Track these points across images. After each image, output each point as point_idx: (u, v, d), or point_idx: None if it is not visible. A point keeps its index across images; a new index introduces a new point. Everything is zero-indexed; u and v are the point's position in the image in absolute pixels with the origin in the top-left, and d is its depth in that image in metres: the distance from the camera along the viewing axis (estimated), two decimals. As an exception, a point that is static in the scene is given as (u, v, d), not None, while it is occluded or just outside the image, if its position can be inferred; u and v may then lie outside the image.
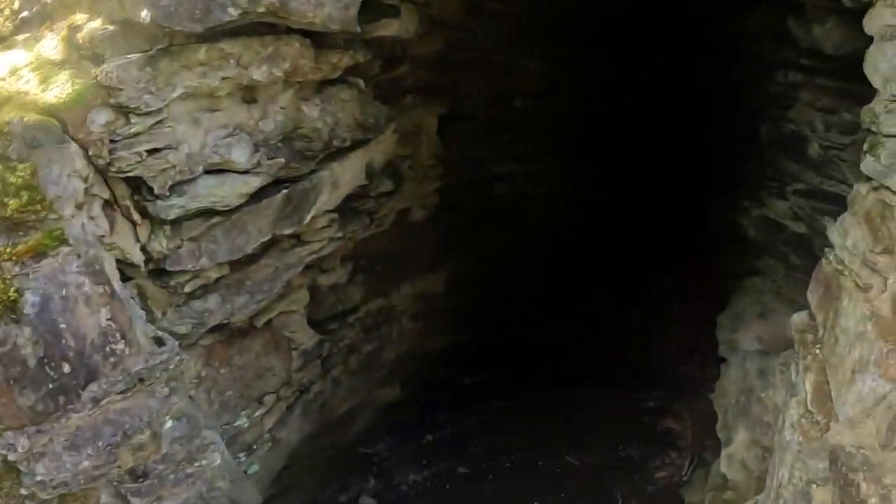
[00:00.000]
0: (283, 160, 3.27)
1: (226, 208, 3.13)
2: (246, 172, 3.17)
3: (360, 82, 3.81)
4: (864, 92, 4.31)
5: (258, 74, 3.03)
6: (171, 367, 3.01)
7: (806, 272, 5.06)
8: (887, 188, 2.56)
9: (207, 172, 3.09)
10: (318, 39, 3.29)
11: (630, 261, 7.78)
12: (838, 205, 4.58)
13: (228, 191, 3.14)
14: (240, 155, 3.11)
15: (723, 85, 6.54)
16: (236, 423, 3.88)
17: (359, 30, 3.34)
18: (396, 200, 4.73)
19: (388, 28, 3.83)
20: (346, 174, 3.72)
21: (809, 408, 2.96)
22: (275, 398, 4.10)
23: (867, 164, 2.71)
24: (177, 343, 3.13)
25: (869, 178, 2.74)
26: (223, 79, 2.93)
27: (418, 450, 5.41)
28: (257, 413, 3.99)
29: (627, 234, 8.55)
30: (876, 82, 2.73)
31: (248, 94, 3.16)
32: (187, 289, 3.27)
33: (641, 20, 8.57)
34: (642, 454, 5.28)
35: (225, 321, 3.47)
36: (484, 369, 6.12)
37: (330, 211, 3.77)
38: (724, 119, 6.44)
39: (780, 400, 3.50)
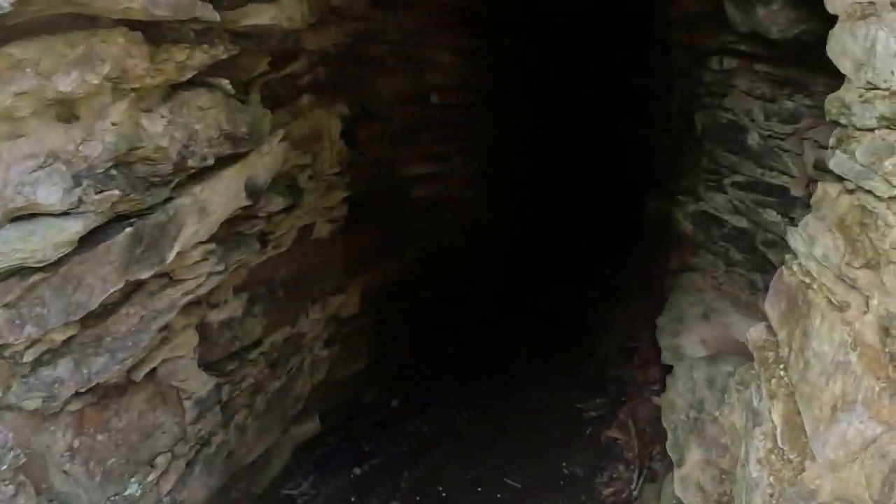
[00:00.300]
0: (117, 192, 2.46)
1: (41, 264, 2.35)
2: (64, 215, 2.36)
3: (226, 84, 3.01)
4: (807, 79, 4.07)
5: (66, 84, 2.20)
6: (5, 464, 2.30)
7: (747, 268, 4.82)
8: (867, 191, 2.15)
9: (14, 220, 2.26)
10: (153, 32, 2.49)
11: (567, 262, 7.44)
12: (780, 197, 4.32)
13: (40, 242, 2.30)
14: (49, 193, 2.27)
15: (658, 74, 6.23)
16: (126, 493, 3.17)
17: (217, 17, 2.61)
18: (296, 217, 4.06)
19: (261, 15, 3.06)
20: (218, 197, 2.96)
21: (779, 443, 2.57)
22: (169, 458, 3.38)
23: (839, 162, 2.31)
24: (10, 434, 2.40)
25: (840, 178, 2.34)
26: (17, 94, 2.12)
27: (346, 485, 4.80)
28: (150, 478, 3.28)
29: (563, 234, 8.23)
30: (845, 67, 2.32)
31: (65, 110, 2.32)
32: (27, 357, 2.48)
33: (570, 9, 8.22)
34: (588, 470, 4.89)
35: (83, 390, 2.71)
36: (411, 389, 5.56)
37: (205, 241, 3.02)
38: (658, 110, 6.14)
39: (739, 423, 3.12)
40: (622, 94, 8.30)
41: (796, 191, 4.18)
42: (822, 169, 2.86)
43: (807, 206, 4.11)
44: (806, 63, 3.80)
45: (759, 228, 4.49)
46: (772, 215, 4.38)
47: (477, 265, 7.19)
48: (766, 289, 4.84)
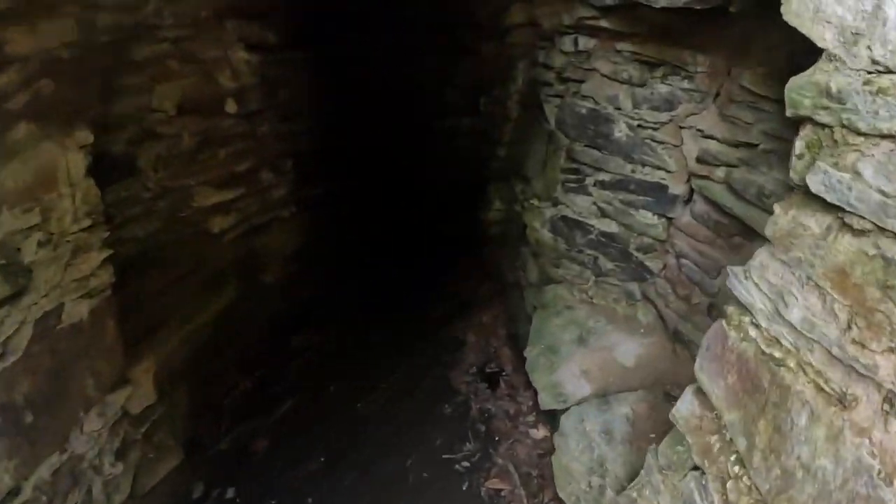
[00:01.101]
0: None
1: None
2: None
3: None
4: (684, 58, 3.40)
5: None
6: None
7: (621, 277, 4.17)
8: (889, 232, 1.33)
9: None
10: None
11: (408, 275, 6.41)
12: (655, 196, 3.65)
13: None
14: None
15: (490, 61, 5.35)
16: None
17: None
18: (27, 306, 2.49)
19: None
20: None
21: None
22: None
23: (828, 181, 1.48)
24: None
25: (829, 206, 1.50)
26: None
27: None
28: None
29: (401, 241, 7.16)
30: (823, 38, 1.47)
31: None
32: None
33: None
34: (475, 537, 3.93)
35: None
36: (239, 481, 4.13)
37: None
38: (495, 100, 5.28)
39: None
40: (446, 83, 7.46)
41: (675, 187, 3.53)
42: (794, 186, 2.03)
43: (688, 203, 3.88)
44: (682, 41, 3.08)
45: (633, 232, 3.81)
46: (647, 217, 3.71)
47: (303, 296, 5.87)
48: (645, 297, 4.54)
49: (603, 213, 3.87)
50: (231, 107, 4.74)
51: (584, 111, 3.70)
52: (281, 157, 5.51)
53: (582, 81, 3.71)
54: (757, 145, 3.11)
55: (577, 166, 3.84)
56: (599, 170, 3.75)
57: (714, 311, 3.50)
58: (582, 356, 3.85)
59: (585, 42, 3.65)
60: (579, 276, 4.19)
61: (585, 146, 3.76)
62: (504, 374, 5.12)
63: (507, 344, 5.38)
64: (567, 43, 3.76)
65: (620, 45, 3.49)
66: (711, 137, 3.27)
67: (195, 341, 4.19)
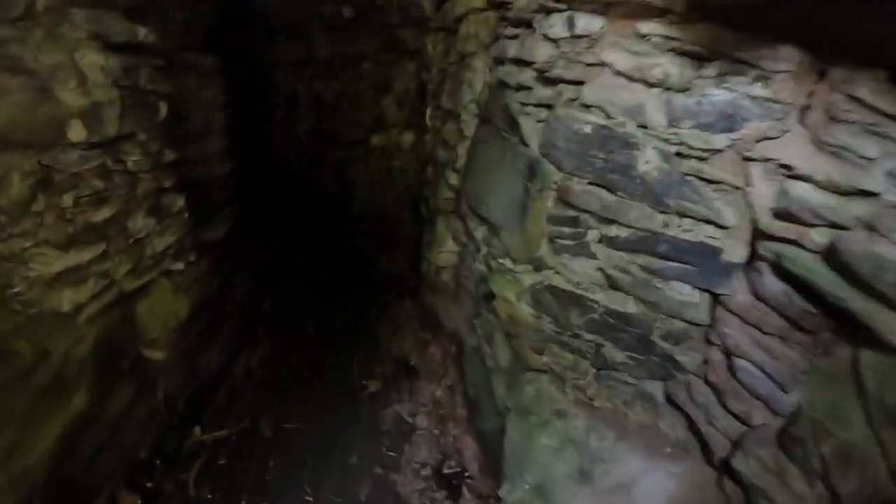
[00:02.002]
0: None
1: None
2: None
3: None
4: (752, 50, 1.97)
5: None
6: None
7: (638, 373, 2.81)
8: None
9: None
10: None
11: (336, 335, 4.86)
12: (697, 262, 2.30)
13: None
14: None
15: (433, 67, 3.92)
16: None
17: None
18: None
19: None
20: None
21: None
22: None
23: None
24: None
25: None
26: None
27: None
28: None
29: (326, 293, 5.60)
30: None
31: None
32: None
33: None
34: None
35: None
36: None
37: None
38: (446, 117, 3.84)
39: None
40: (382, 91, 6.01)
41: (732, 252, 2.20)
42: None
43: (750, 276, 2.14)
44: (753, 20, 1.78)
45: (658, 313, 2.45)
46: (682, 292, 2.37)
47: (207, 369, 4.24)
48: (672, 402, 2.63)
49: (613, 285, 2.50)
50: (77, 133, 3.08)
51: (587, 129, 2.31)
52: (165, 195, 3.87)
53: (581, 83, 2.33)
54: (879, 195, 1.84)
55: (576, 214, 2.45)
56: (611, 221, 2.38)
57: (789, 441, 2.20)
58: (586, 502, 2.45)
59: (586, 22, 2.28)
60: (573, 369, 2.79)
61: (590, 184, 2.38)
62: (468, 476, 3.67)
63: (469, 430, 3.94)
64: (556, 25, 2.37)
65: (646, 27, 2.14)
66: (803, 178, 1.96)
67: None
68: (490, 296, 3.03)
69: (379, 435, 3.98)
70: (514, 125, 2.76)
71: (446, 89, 3.80)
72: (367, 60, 6.76)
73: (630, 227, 2.34)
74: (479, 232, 3.29)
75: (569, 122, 2.35)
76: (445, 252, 4.22)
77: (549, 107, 2.46)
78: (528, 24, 2.61)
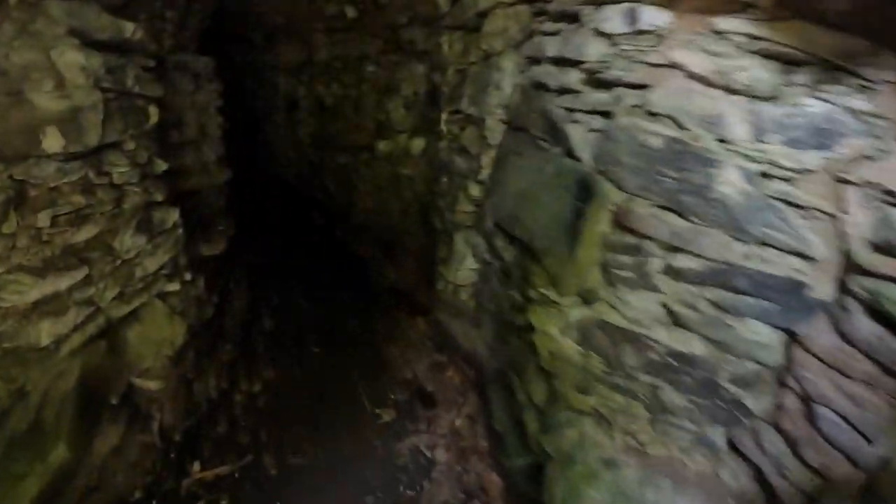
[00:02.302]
0: None
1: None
2: None
3: None
4: (853, 55, 1.61)
5: None
6: None
7: (699, 419, 2.43)
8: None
9: None
10: None
11: (342, 354, 4.49)
12: (777, 297, 1.95)
13: None
14: None
15: (449, 68, 3.57)
16: None
17: None
18: None
19: None
20: None
21: None
22: None
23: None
24: None
25: None
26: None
27: None
28: None
29: (331, 307, 5.23)
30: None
31: None
32: None
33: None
34: None
35: None
36: None
37: None
38: (466, 123, 3.48)
39: None
40: (388, 94, 5.64)
41: (819, 287, 1.86)
42: None
43: (835, 315, 1.73)
44: (854, 21, 1.43)
45: (727, 353, 2.11)
46: (756, 331, 2.03)
47: (205, 396, 3.86)
48: (735, 450, 2.22)
49: (676, 322, 2.15)
50: (53, 141, 2.70)
51: (655, 142, 1.96)
52: (156, 209, 3.48)
53: (645, 87, 1.98)
54: None
55: (638, 241, 2.10)
56: (679, 250, 2.02)
57: (873, 498, 1.86)
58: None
59: (652, 16, 1.93)
60: (624, 412, 2.44)
61: (657, 206, 2.02)
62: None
63: (494, 467, 3.59)
64: (613, 18, 2.02)
65: (726, 23, 1.79)
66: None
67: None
68: (526, 327, 2.68)
69: (395, 471, 3.62)
70: (556, 134, 2.40)
71: (467, 92, 3.44)
72: (370, 62, 6.40)
73: (702, 257, 1.99)
74: (509, 252, 2.93)
75: (633, 133, 1.99)
76: (464, 270, 3.86)
77: (604, 114, 2.10)
78: (573, 18, 2.26)
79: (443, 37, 4.00)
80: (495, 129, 3.09)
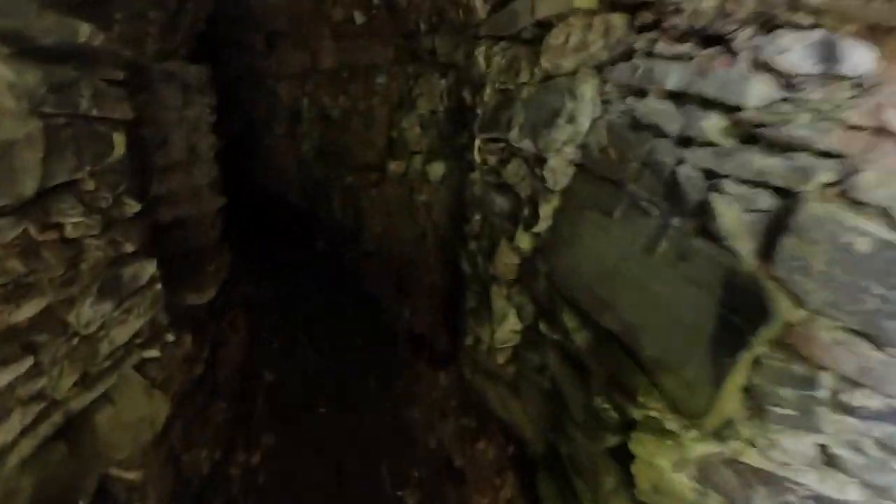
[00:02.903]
0: None
1: None
2: None
3: None
4: None
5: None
6: None
7: None
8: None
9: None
10: None
11: (352, 419, 3.75)
12: None
13: None
14: None
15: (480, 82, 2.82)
16: None
17: None
18: None
19: None
20: None
21: None
22: None
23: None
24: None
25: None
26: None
27: None
28: None
29: (339, 359, 4.47)
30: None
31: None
32: None
33: None
34: None
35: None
36: None
37: None
38: (510, 154, 2.74)
39: None
40: (399, 109, 4.88)
41: None
42: None
43: None
44: None
45: (887, 499, 1.39)
46: None
47: (200, 472, 3.13)
48: None
49: (831, 463, 1.44)
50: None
51: (863, 244, 1.22)
52: (126, 264, 2.72)
53: (841, 157, 1.25)
54: None
55: (809, 373, 1.37)
56: (859, 386, 1.31)
57: None
58: None
59: (857, 55, 1.21)
60: None
61: (847, 331, 1.29)
62: None
63: None
64: (795, 51, 1.28)
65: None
66: None
67: None
68: (617, 447, 1.94)
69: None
70: (680, 201, 1.67)
71: (516, 119, 2.69)
72: (381, 72, 5.65)
73: (887, 395, 1.28)
74: (582, 337, 2.19)
75: (830, 227, 1.27)
76: (504, 331, 3.13)
77: (778, 190, 1.37)
78: (715, 41, 1.52)
79: (478, 48, 3.25)
80: (561, 172, 2.35)
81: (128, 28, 3.44)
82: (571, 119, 2.20)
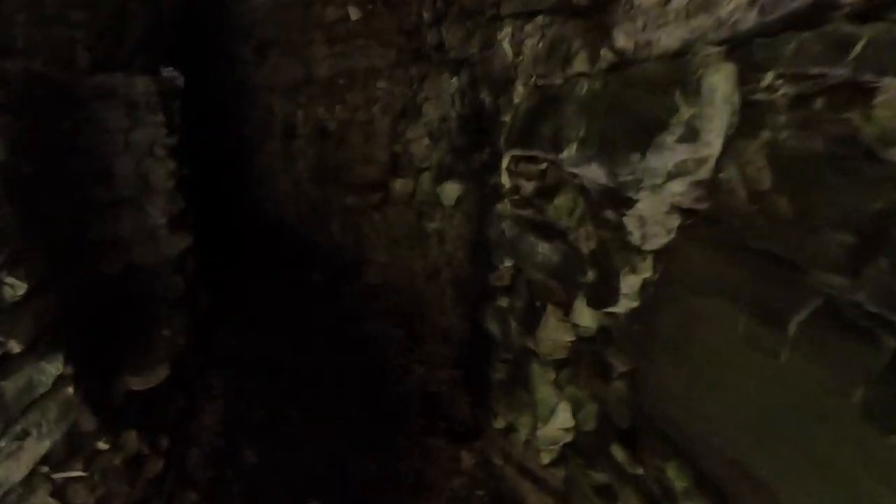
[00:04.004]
0: None
1: None
2: None
3: None
4: None
5: None
6: None
7: None
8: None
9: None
10: None
11: None
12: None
13: None
14: None
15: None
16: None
17: None
18: None
19: None
20: None
21: None
22: None
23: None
24: None
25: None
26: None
27: None
28: None
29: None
30: None
31: None
32: None
33: None
34: None
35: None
36: None
37: None
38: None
39: None
40: (401, 121, 3.91)
41: None
42: None
43: None
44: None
45: None
46: None
47: None
48: None
49: None
50: None
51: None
52: (14, 371, 1.78)
53: None
54: None
55: None
56: None
57: None
58: None
59: None
60: None
61: None
62: None
63: None
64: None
65: None
66: None
67: None
68: None
69: None
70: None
71: (571, 130, 1.70)
72: (382, 77, 4.68)
73: None
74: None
75: None
76: (552, 429, 2.13)
77: None
78: None
79: (502, 31, 2.26)
80: (659, 222, 1.35)
81: (36, 33, 2.51)
82: (690, 135, 1.20)
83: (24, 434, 1.87)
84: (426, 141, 4.03)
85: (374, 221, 4.74)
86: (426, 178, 4.01)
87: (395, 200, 4.51)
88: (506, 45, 2.23)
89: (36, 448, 1.91)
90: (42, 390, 1.91)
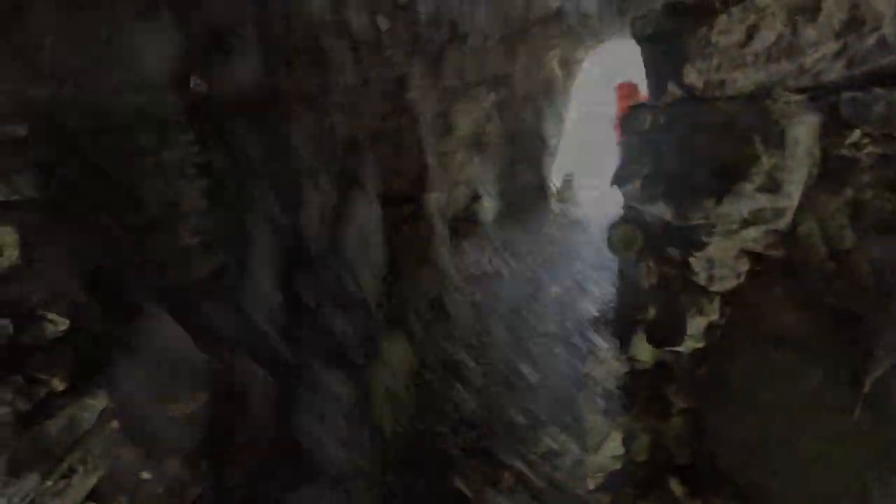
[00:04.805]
0: None
1: None
2: None
3: None
4: None
5: None
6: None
7: None
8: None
9: None
10: None
11: None
12: None
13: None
14: None
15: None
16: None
17: None
18: None
19: None
20: None
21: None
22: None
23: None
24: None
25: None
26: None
27: None
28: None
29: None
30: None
31: None
32: None
33: None
34: None
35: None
36: None
37: None
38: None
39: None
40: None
41: None
42: None
43: None
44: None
45: None
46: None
47: None
48: None
49: None
50: None
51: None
52: (51, 414, 1.84)
53: None
54: None
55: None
56: None
57: None
58: None
59: None
60: None
61: None
62: None
63: None
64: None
65: None
66: None
67: None
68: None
69: None
70: None
71: (633, 166, 1.71)
72: (413, 87, 4.72)
73: None
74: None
75: None
76: (604, 456, 2.15)
77: None
78: None
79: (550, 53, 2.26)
80: (727, 265, 1.36)
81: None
82: (771, 185, 1.20)
83: (71, 472, 1.93)
84: (461, 154, 4.05)
85: (404, 236, 4.78)
86: (460, 191, 4.03)
87: (427, 217, 4.54)
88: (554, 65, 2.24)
89: (83, 484, 1.97)
90: (86, 427, 1.96)
